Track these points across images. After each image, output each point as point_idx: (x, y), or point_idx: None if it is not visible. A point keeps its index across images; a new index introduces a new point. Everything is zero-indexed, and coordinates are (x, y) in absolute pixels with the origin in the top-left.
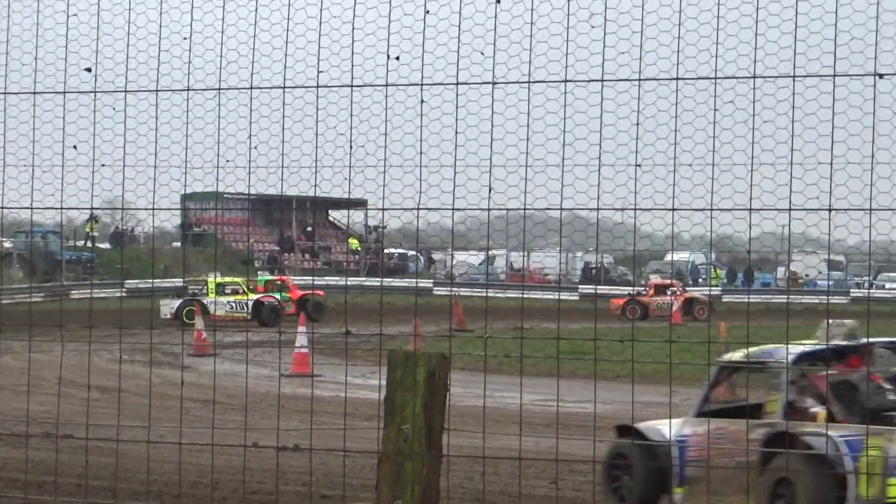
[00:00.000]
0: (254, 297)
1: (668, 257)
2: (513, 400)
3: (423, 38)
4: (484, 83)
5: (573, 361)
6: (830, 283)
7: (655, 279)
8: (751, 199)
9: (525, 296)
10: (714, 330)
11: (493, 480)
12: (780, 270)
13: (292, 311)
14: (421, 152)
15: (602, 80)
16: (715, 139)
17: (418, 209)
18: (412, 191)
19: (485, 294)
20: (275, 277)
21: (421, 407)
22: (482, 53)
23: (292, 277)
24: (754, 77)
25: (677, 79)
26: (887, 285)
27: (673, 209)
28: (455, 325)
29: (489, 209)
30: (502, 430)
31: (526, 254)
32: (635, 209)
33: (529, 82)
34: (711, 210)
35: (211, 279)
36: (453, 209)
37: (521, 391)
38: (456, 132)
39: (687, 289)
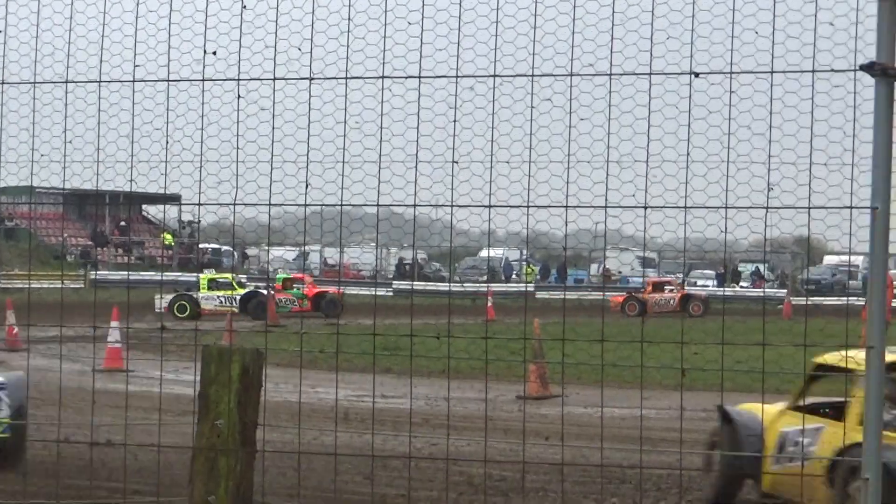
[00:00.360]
0: (242, 291)
1: (482, 253)
2: (327, 395)
3: (240, 33)
4: (301, 79)
5: (389, 357)
6: (645, 279)
7: (652, 277)
8: (567, 196)
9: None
10: (529, 326)
11: (308, 476)
12: (594, 267)
13: (308, 308)
14: (238, 147)
15: (419, 77)
16: (532, 136)
17: (235, 204)
18: (229, 186)
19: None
20: (292, 276)
21: (235, 402)
22: (300, 49)
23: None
24: (571, 75)
25: (494, 76)
26: (699, 282)
27: (490, 206)
28: (269, 321)
29: (306, 205)
30: (317, 425)
31: (342, 249)
32: (452, 206)
33: (347, 78)
34: (528, 207)
35: (203, 276)
36: (270, 205)
37: (336, 387)
38: (273, 127)
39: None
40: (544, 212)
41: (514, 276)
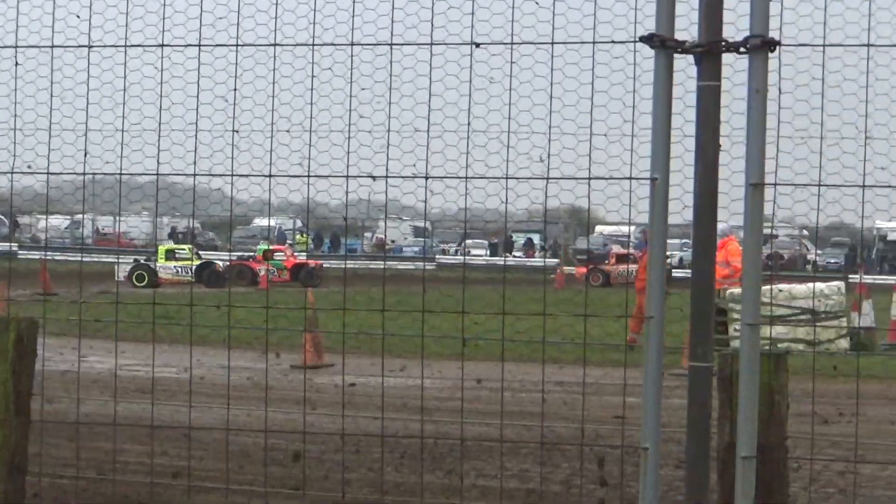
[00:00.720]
0: (197, 262)
1: (256, 222)
2: (103, 365)
3: (17, 1)
4: (79, 46)
5: (166, 327)
6: (421, 248)
7: (616, 249)
8: (348, 166)
9: (119, 261)
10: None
11: (86, 446)
12: (368, 236)
13: (287, 279)
14: (16, 115)
15: (199, 46)
16: (314, 106)
17: (12, 173)
18: (6, 154)
19: (80, 259)
20: (272, 248)
21: (9, 372)
22: (78, 17)
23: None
24: (352, 44)
25: (275, 45)
26: (472, 251)
27: (270, 175)
28: (45, 290)
29: (84, 174)
30: (93, 395)
31: (118, 218)
32: (232, 175)
33: (126, 46)
34: (308, 177)
35: (161, 246)
36: (48, 173)
37: (115, 357)
38: (51, 95)
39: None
40: (324, 181)
41: (287, 244)
